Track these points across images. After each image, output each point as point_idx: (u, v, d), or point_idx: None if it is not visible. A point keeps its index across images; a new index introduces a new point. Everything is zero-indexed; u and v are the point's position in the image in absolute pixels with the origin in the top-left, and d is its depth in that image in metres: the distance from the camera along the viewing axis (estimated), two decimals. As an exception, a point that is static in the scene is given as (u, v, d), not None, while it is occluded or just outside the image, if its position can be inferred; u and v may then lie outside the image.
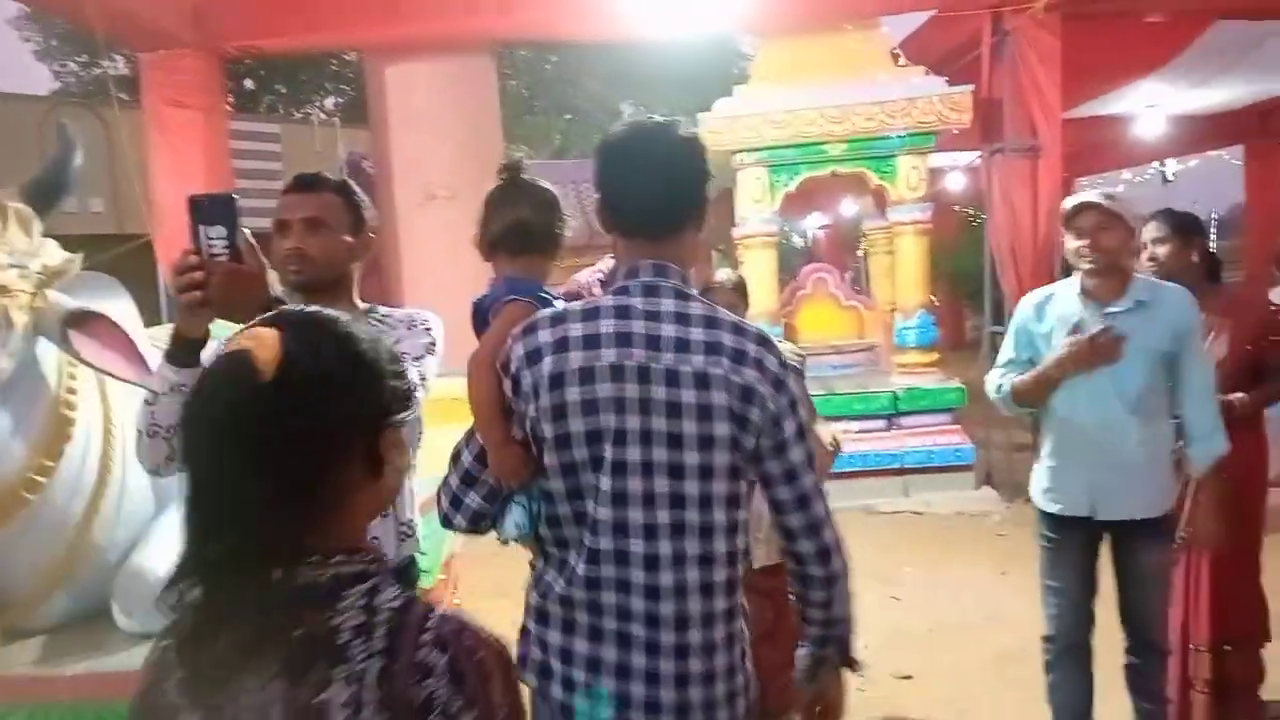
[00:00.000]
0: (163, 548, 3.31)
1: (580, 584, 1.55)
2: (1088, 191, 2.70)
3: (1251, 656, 3.18)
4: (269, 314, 1.01)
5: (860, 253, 7.74)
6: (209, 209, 1.50)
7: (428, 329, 1.97)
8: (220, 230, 1.49)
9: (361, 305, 2.03)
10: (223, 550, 0.91)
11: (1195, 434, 2.66)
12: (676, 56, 15.95)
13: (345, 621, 0.93)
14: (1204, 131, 11.08)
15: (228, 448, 0.92)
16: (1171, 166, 16.88)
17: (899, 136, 6.14)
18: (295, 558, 0.93)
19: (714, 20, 6.49)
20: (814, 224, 15.71)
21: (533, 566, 1.68)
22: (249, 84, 17.91)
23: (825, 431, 3.01)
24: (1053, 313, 2.77)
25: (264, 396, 0.92)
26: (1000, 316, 5.98)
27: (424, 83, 6.65)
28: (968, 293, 12.59)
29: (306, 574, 0.93)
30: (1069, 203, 2.70)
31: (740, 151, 6.32)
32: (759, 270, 6.43)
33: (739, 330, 1.57)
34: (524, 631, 1.64)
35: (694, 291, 1.61)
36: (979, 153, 6.76)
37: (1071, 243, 2.67)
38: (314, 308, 1.06)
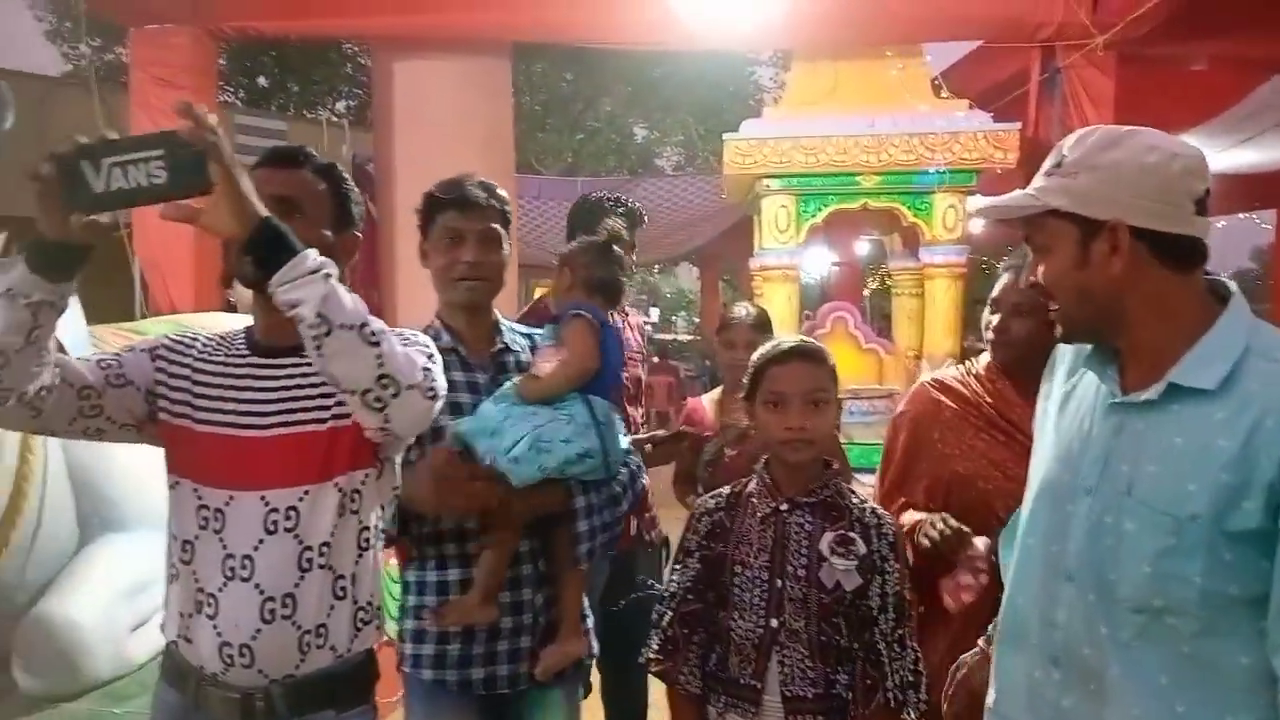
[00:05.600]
0: (81, 593, 2.67)
1: None
2: None
3: None
4: None
5: (865, 293, 7.29)
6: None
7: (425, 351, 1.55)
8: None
9: None
10: None
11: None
12: (692, 82, 15.68)
13: None
14: (1237, 191, 10.75)
15: None
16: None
17: (939, 172, 5.75)
18: None
19: (744, 35, 6.09)
20: (825, 260, 15.34)
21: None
22: (263, 81, 17.63)
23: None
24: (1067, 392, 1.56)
25: None
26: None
27: (436, 81, 6.20)
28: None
29: None
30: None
31: (766, 177, 5.92)
32: (779, 306, 5.98)
33: None
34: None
35: None
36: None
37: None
38: None
